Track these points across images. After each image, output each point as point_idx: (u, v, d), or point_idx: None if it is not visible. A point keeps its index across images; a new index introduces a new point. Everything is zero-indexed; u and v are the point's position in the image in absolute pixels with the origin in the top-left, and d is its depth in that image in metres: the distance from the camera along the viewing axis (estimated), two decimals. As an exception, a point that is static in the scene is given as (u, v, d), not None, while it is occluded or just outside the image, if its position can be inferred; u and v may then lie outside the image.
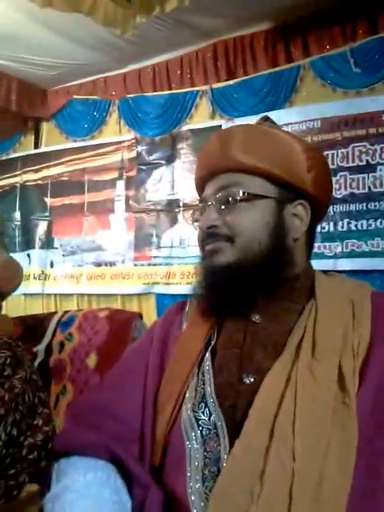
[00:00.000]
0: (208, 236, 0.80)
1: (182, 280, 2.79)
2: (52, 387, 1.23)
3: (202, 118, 2.84)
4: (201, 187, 0.87)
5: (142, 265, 2.93)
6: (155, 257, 2.90)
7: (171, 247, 2.86)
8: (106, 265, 3.04)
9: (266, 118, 0.93)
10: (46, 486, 0.88)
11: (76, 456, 0.81)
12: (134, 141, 3.00)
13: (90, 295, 3.07)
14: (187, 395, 0.77)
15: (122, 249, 3.00)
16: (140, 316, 1.33)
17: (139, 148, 2.98)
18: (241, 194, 0.78)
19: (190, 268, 2.74)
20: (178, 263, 2.82)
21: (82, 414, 0.86)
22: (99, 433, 0.81)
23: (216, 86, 2.78)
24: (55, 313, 1.36)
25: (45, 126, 3.33)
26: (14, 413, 0.99)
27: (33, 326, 1.31)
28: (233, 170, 0.80)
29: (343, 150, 2.42)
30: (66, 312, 1.34)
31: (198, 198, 0.91)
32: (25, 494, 1.00)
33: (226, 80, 2.77)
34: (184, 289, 2.74)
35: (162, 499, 0.73)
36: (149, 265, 2.91)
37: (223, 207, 0.79)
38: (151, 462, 0.77)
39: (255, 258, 0.76)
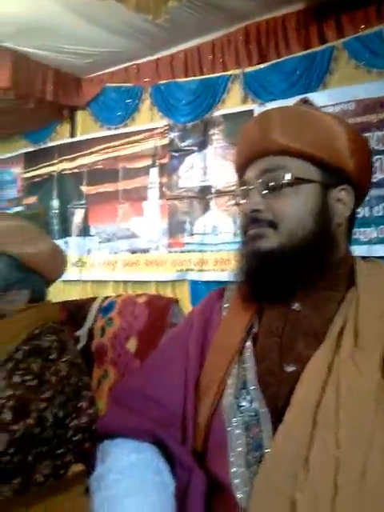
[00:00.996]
0: (251, 221, 0.79)
1: (215, 267, 2.79)
2: (94, 371, 1.27)
3: (233, 102, 2.82)
4: (241, 171, 0.86)
5: (176, 252, 2.95)
6: (188, 243, 2.91)
7: (204, 234, 2.86)
8: (141, 252, 3.08)
9: (305, 101, 0.91)
10: (90, 467, 0.92)
11: (120, 438, 0.83)
12: (166, 127, 3.00)
13: (125, 282, 3.11)
14: (229, 382, 0.78)
15: (155, 236, 3.03)
16: (176, 302, 1.36)
17: (172, 134, 2.99)
18: (286, 178, 0.76)
19: (222, 255, 2.75)
20: (210, 250, 2.82)
21: (125, 398, 0.88)
22: (142, 416, 0.83)
23: (248, 69, 2.74)
24: (95, 298, 1.40)
25: (80, 115, 3.36)
26: (61, 395, 1.03)
27: (74, 312, 1.35)
28: (275, 152, 0.78)
29: (379, 133, 2.36)
30: (106, 297, 1.37)
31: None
32: (71, 474, 1.05)
33: (258, 63, 2.73)
34: (217, 275, 2.75)
35: (206, 482, 0.75)
36: (182, 252, 2.92)
37: (267, 191, 0.78)
38: (193, 447, 0.79)
39: (299, 243, 0.76)
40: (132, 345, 1.22)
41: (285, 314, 0.79)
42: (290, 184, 0.77)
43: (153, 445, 0.82)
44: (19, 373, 1.00)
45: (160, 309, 1.28)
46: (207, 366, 0.83)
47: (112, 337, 1.26)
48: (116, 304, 1.33)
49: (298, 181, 0.77)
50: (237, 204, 0.86)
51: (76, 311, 1.36)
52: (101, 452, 0.86)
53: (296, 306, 0.79)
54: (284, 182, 0.76)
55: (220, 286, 0.97)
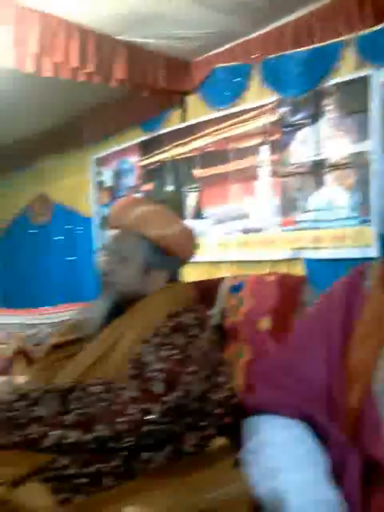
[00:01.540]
0: None
1: (332, 244, 2.70)
2: (227, 349, 1.31)
3: (347, 70, 2.66)
4: None
5: (289, 230, 2.90)
6: (302, 221, 2.84)
7: (318, 210, 2.77)
8: (253, 231, 3.07)
9: None
10: (235, 441, 0.95)
11: (267, 414, 0.85)
12: (276, 103, 2.93)
13: (238, 262, 3.13)
14: (381, 364, 0.76)
15: (268, 215, 2.99)
16: (306, 280, 1.34)
17: (282, 110, 2.91)
18: None
19: (339, 231, 2.64)
20: (326, 227, 2.73)
21: (271, 375, 0.90)
22: (289, 393, 0.84)
23: (362, 33, 2.57)
24: (224, 278, 1.43)
25: (190, 99, 3.39)
26: (203, 370, 1.08)
27: (205, 291, 1.39)
28: None
29: None
30: (235, 277, 1.40)
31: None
32: (216, 447, 1.09)
33: (373, 26, 2.54)
34: (334, 253, 2.66)
35: (362, 462, 0.74)
36: (296, 230, 2.87)
37: None
38: (343, 427, 0.78)
39: None
40: (265, 323, 1.24)
41: None
42: None
43: (301, 421, 0.83)
44: (165, 348, 1.06)
45: (291, 287, 1.27)
46: (356, 345, 0.81)
47: (244, 316, 1.29)
48: (246, 283, 1.35)
49: None
50: None
51: (206, 291, 1.40)
52: (248, 427, 0.89)
53: None
54: None
55: (362, 263, 0.94)
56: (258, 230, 3.05)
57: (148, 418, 0.96)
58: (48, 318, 1.85)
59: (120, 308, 1.21)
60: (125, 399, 0.97)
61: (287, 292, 1.26)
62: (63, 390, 1.01)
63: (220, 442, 1.10)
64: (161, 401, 0.97)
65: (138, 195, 3.76)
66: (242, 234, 3.13)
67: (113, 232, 1.28)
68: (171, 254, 1.26)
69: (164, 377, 1.00)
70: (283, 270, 2.92)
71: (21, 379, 1.20)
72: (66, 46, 2.47)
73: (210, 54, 3.14)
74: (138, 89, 3.03)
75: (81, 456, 0.96)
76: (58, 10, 2.45)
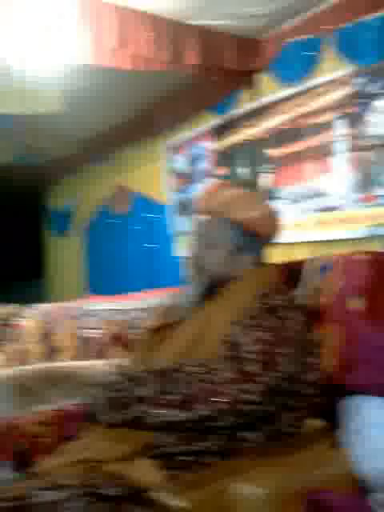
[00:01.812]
0: None
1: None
2: (316, 330, 1.29)
3: None
4: None
5: (369, 206, 2.79)
6: (382, 196, 2.72)
7: (400, 184, 2.65)
8: (330, 210, 2.99)
9: None
10: (330, 421, 0.94)
11: (366, 395, 0.84)
12: (351, 74, 2.81)
13: (315, 242, 3.06)
14: None
15: (345, 192, 2.90)
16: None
17: (357, 80, 2.78)
18: None
19: None
20: (409, 201, 2.61)
21: (372, 356, 0.88)
22: None
23: None
24: (310, 258, 1.41)
25: (261, 78, 3.32)
26: (294, 351, 1.08)
27: (291, 272, 1.38)
28: None
29: None
30: (322, 257, 1.38)
31: None
32: (310, 428, 1.09)
33: None
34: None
35: None
36: (375, 206, 2.75)
37: None
38: None
39: None
40: (357, 304, 1.20)
41: None
42: None
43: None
44: (258, 329, 1.07)
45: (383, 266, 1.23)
46: None
47: (334, 296, 1.26)
48: (333, 263, 1.32)
49: None
50: None
51: (293, 272, 1.39)
52: (348, 408, 0.88)
53: None
54: None
55: None
56: (335, 208, 2.96)
57: (247, 397, 0.98)
58: (139, 304, 1.92)
59: (210, 291, 1.24)
60: (223, 379, 1.00)
61: (380, 271, 1.22)
62: (164, 370, 1.06)
63: (316, 422, 1.10)
64: (258, 381, 0.99)
65: (214, 180, 3.76)
66: (318, 212, 3.05)
67: (201, 217, 1.30)
68: (258, 237, 1.26)
69: (259, 358, 1.02)
70: (363, 247, 2.82)
71: (122, 362, 1.27)
72: (141, 36, 2.50)
73: (280, 29, 3.06)
74: (210, 72, 3.01)
75: (183, 434, 1.00)
76: (131, 1, 2.48)
